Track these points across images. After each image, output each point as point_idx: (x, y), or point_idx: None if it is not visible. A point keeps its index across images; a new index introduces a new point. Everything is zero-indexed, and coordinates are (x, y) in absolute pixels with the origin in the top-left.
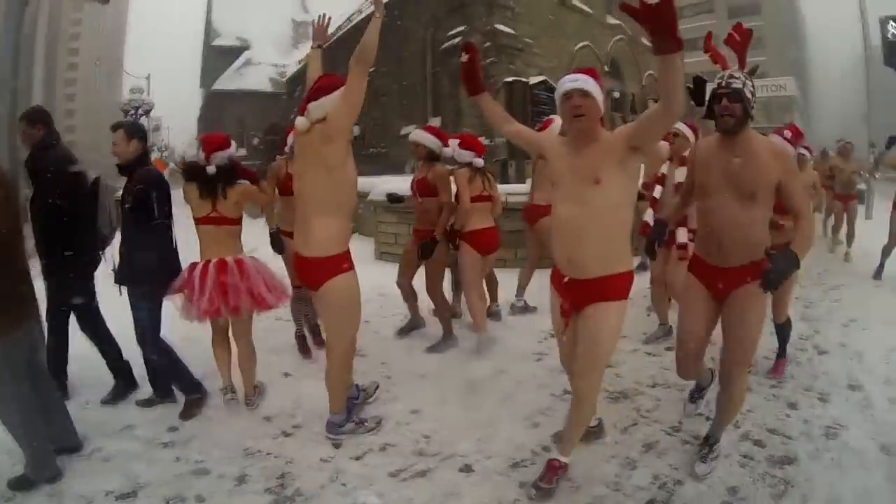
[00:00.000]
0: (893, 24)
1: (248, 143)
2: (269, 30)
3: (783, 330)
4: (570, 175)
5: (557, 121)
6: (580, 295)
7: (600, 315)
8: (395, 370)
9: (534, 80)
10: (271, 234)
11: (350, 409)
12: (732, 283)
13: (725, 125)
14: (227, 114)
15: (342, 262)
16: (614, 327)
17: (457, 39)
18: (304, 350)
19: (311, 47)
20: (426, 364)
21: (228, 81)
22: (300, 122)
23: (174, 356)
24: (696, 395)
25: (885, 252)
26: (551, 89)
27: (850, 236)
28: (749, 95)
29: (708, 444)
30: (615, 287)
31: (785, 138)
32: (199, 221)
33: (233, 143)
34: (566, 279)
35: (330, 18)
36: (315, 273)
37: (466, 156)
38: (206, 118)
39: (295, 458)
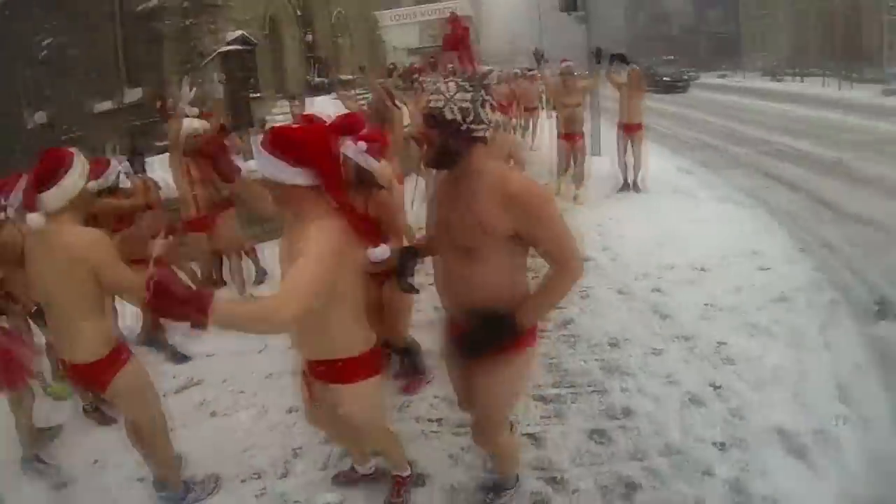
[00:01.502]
0: None
1: None
2: None
3: (409, 352)
4: (285, 264)
5: (186, 122)
6: (317, 372)
7: (340, 398)
8: (241, 380)
9: (230, 36)
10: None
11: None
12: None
13: (424, 157)
14: None
15: (118, 356)
16: (359, 407)
17: (152, 2)
18: (104, 420)
19: None
20: (267, 363)
21: None
22: (33, 220)
23: None
24: (490, 496)
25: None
26: (249, 43)
27: (579, 177)
28: (457, 117)
29: (496, 491)
30: (347, 370)
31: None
32: None
33: None
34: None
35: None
36: (94, 379)
37: None
38: None
39: None
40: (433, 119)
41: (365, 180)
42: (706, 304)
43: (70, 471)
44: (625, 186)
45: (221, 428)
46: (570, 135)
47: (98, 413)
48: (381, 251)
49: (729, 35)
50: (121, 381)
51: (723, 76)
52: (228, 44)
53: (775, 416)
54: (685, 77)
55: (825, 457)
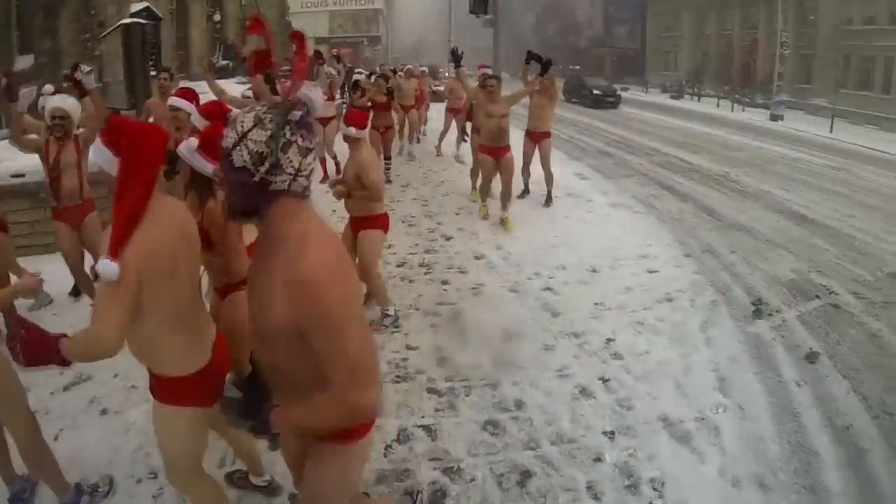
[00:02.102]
0: None
1: None
2: None
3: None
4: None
5: (51, 101)
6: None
7: (154, 414)
8: (133, 376)
9: (135, 7)
10: None
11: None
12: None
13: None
14: None
15: None
16: (162, 432)
17: None
18: None
19: None
20: None
21: None
22: None
23: None
24: None
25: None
26: (154, 17)
27: (506, 197)
28: (247, 164)
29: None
30: (160, 388)
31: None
32: None
33: None
34: None
35: None
36: None
37: None
38: None
39: None
40: (225, 160)
41: (198, 184)
42: (596, 304)
43: None
44: (525, 192)
45: (113, 426)
46: (494, 148)
47: None
48: (101, 265)
49: (635, 52)
50: None
51: (625, 90)
52: (132, 15)
53: (661, 405)
54: (617, 92)
55: (706, 441)
